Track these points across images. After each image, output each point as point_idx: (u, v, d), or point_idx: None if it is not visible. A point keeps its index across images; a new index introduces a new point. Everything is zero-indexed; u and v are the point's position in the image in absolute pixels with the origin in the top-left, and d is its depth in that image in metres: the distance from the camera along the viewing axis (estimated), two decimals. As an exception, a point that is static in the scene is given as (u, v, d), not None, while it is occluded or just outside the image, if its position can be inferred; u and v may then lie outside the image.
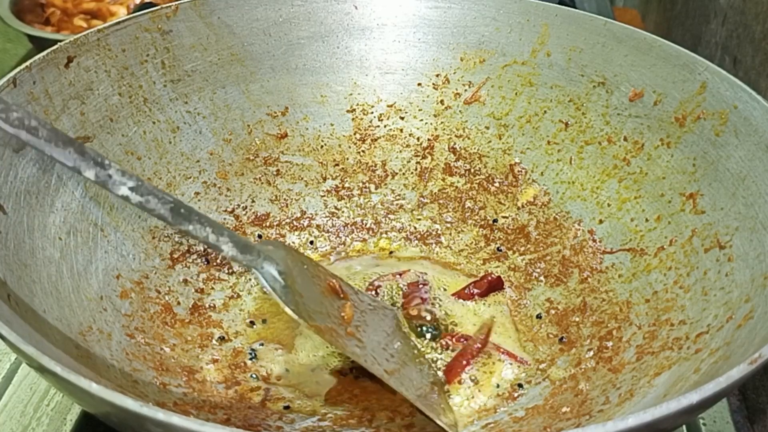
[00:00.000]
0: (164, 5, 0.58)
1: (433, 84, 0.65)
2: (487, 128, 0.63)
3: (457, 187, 0.64)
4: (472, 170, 0.63)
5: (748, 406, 0.59)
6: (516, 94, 0.63)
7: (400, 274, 0.58)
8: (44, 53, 0.51)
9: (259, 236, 0.61)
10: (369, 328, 0.50)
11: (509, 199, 0.62)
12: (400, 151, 0.65)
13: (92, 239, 0.51)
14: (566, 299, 0.56)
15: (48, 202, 0.48)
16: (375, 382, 0.50)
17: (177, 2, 0.59)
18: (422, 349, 0.52)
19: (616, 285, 0.54)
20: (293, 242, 0.62)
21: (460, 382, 0.50)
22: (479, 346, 0.52)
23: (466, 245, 0.62)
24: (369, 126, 0.65)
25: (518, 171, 0.62)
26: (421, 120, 0.65)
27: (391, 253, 0.61)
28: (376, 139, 0.65)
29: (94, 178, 0.41)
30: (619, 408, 0.44)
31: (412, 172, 0.65)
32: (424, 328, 0.53)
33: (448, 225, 0.63)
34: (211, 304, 0.56)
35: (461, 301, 0.56)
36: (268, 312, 0.56)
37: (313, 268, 0.51)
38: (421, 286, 0.57)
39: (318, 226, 0.63)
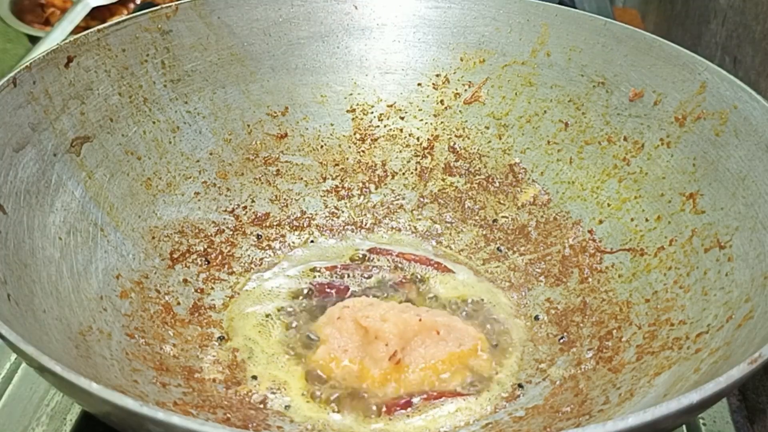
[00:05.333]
0: (164, 5, 0.58)
1: (433, 84, 0.65)
2: (487, 128, 0.63)
3: (457, 187, 0.64)
4: (472, 170, 0.63)
5: (748, 406, 0.59)
6: (516, 94, 0.63)
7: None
8: (44, 53, 0.51)
9: (259, 236, 0.61)
10: None
11: (509, 199, 0.62)
12: (400, 151, 0.65)
13: (92, 239, 0.51)
14: (566, 299, 0.56)
15: (48, 202, 0.48)
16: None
17: (177, 2, 0.59)
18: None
19: (616, 285, 0.54)
20: (293, 242, 0.62)
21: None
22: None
23: (466, 245, 0.62)
24: (369, 126, 0.65)
25: (518, 171, 0.62)
26: (421, 120, 0.65)
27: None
28: (376, 139, 0.65)
29: None
30: (619, 408, 0.44)
31: (412, 172, 0.65)
32: None
33: (448, 225, 0.63)
34: (211, 304, 0.56)
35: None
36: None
37: None
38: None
39: (318, 226, 0.63)
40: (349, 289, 0.58)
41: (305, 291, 0.57)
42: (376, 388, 0.49)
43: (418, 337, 0.51)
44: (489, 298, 0.57)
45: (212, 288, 0.57)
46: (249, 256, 0.60)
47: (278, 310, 0.56)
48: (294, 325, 0.55)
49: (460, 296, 0.57)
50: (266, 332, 0.54)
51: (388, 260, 0.60)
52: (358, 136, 0.65)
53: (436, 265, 0.60)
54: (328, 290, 0.57)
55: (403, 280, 0.58)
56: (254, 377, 0.50)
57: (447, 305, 0.56)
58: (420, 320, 0.51)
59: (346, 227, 0.63)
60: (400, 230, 0.63)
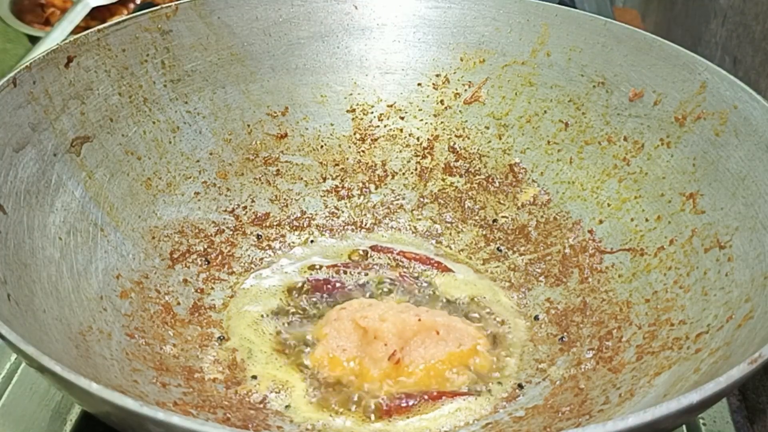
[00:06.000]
0: (164, 5, 0.58)
1: (433, 84, 0.65)
2: (487, 128, 0.63)
3: (457, 187, 0.64)
4: (472, 170, 0.63)
5: (748, 406, 0.59)
6: (516, 94, 0.63)
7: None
8: (44, 53, 0.51)
9: (259, 236, 0.61)
10: None
11: (509, 199, 0.62)
12: (400, 151, 0.65)
13: (92, 239, 0.51)
14: (566, 299, 0.56)
15: (48, 202, 0.48)
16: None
17: (177, 2, 0.59)
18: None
19: (616, 285, 0.54)
20: (293, 242, 0.62)
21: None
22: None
23: (466, 245, 0.62)
24: (369, 126, 0.65)
25: (518, 171, 0.62)
26: (421, 120, 0.65)
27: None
28: (376, 139, 0.65)
29: None
30: (619, 408, 0.44)
31: (412, 172, 0.65)
32: None
33: (448, 225, 0.63)
34: (211, 304, 0.56)
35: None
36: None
37: None
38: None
39: (318, 226, 0.63)
40: (345, 285, 0.58)
41: (303, 288, 0.57)
42: (376, 388, 0.49)
43: (418, 337, 0.51)
44: (489, 298, 0.57)
45: (212, 288, 0.57)
46: (249, 256, 0.60)
47: (275, 311, 0.56)
48: (292, 324, 0.55)
49: (460, 295, 0.57)
50: (264, 331, 0.54)
51: (389, 258, 0.60)
52: (358, 136, 0.65)
53: (436, 265, 0.60)
54: (326, 286, 0.57)
55: (404, 278, 0.58)
56: (254, 377, 0.51)
57: (447, 304, 0.57)
58: (419, 320, 0.51)
59: (346, 227, 0.63)
60: (400, 230, 0.63)
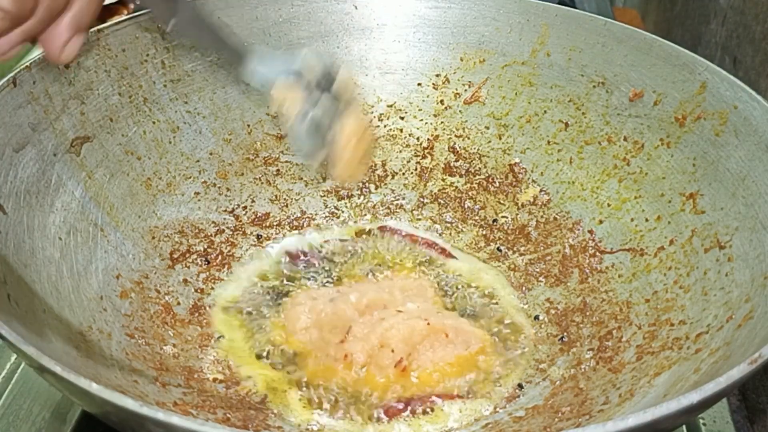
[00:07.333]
0: (164, 5, 0.58)
1: (433, 84, 0.65)
2: (487, 128, 0.63)
3: (457, 187, 0.64)
4: (472, 170, 0.63)
5: (748, 406, 0.59)
6: (516, 94, 0.63)
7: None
8: (44, 53, 0.51)
9: (259, 236, 0.61)
10: None
11: (509, 199, 0.62)
12: (400, 151, 0.65)
13: (92, 239, 0.51)
14: (566, 299, 0.56)
15: (48, 202, 0.48)
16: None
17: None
18: None
19: (616, 285, 0.54)
20: (293, 242, 0.62)
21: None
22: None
23: (466, 245, 0.62)
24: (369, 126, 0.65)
25: (518, 171, 0.62)
26: (421, 120, 0.65)
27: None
28: (376, 139, 0.65)
29: None
30: (619, 408, 0.44)
31: (412, 172, 0.65)
32: None
33: (448, 225, 0.63)
34: (211, 304, 0.56)
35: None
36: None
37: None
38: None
39: (318, 226, 0.63)
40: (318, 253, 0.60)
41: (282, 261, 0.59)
42: (379, 391, 0.49)
43: (427, 341, 0.51)
44: (495, 289, 0.58)
45: (212, 288, 0.57)
46: (249, 256, 0.60)
47: (262, 308, 0.56)
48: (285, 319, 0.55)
49: (466, 281, 0.58)
50: (256, 331, 0.54)
51: (396, 239, 0.62)
52: (358, 136, 0.64)
53: (440, 250, 0.61)
54: (301, 257, 0.60)
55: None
56: (250, 377, 0.50)
57: (453, 291, 0.57)
58: (428, 324, 0.51)
59: (345, 227, 0.63)
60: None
